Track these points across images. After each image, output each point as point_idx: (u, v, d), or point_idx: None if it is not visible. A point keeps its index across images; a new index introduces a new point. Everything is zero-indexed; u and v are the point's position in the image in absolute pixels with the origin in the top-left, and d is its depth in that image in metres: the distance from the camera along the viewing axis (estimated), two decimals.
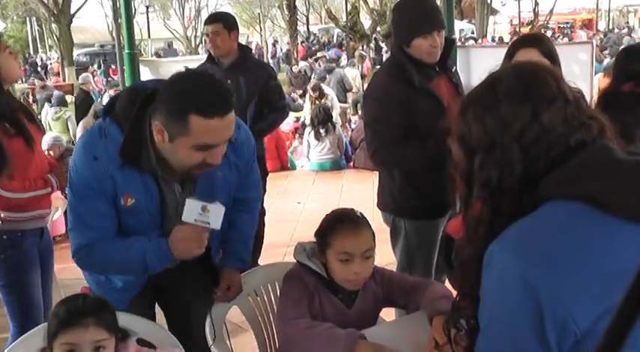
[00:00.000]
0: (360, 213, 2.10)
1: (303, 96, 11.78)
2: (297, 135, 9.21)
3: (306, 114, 9.15)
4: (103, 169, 1.84)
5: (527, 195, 1.11)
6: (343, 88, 11.97)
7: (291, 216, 6.17)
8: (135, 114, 1.82)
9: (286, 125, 8.98)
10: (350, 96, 12.51)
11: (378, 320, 2.19)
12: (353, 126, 9.98)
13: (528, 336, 1.03)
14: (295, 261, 2.11)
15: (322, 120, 8.21)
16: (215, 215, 1.85)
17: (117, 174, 1.86)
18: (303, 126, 8.93)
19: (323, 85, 10.57)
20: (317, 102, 9.78)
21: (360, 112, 10.95)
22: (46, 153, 6.42)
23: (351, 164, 8.44)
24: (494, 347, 1.11)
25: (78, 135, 7.91)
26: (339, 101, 10.62)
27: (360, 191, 6.88)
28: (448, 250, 2.11)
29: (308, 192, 7.37)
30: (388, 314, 2.42)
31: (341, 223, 2.03)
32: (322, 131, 8.20)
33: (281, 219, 5.73)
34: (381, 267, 2.19)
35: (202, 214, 1.84)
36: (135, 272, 2.02)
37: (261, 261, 4.08)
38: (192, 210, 1.84)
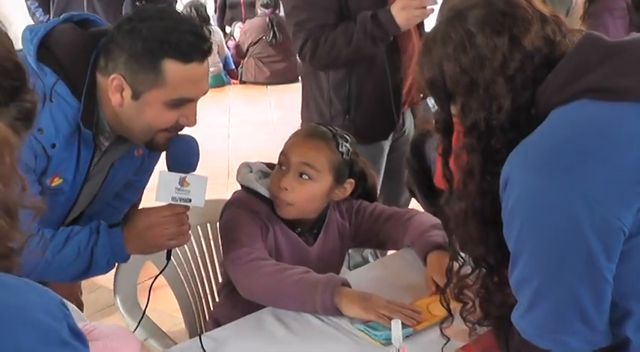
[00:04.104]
0: (340, 134, 1.76)
1: None
2: None
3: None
4: (46, 145, 1.48)
5: (526, 117, 1.08)
6: None
7: None
8: (91, 69, 1.51)
9: None
10: None
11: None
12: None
13: (569, 248, 0.99)
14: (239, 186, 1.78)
15: None
16: (196, 188, 1.51)
17: (58, 147, 1.51)
18: None
19: None
20: None
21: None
22: None
23: (236, 80, 7.22)
24: (532, 269, 1.04)
25: None
26: None
27: (254, 113, 5.97)
28: (423, 178, 1.76)
29: None
30: None
31: (300, 130, 1.84)
32: None
33: None
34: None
35: (181, 189, 1.50)
36: (72, 276, 1.61)
37: None
38: (167, 185, 1.49)
